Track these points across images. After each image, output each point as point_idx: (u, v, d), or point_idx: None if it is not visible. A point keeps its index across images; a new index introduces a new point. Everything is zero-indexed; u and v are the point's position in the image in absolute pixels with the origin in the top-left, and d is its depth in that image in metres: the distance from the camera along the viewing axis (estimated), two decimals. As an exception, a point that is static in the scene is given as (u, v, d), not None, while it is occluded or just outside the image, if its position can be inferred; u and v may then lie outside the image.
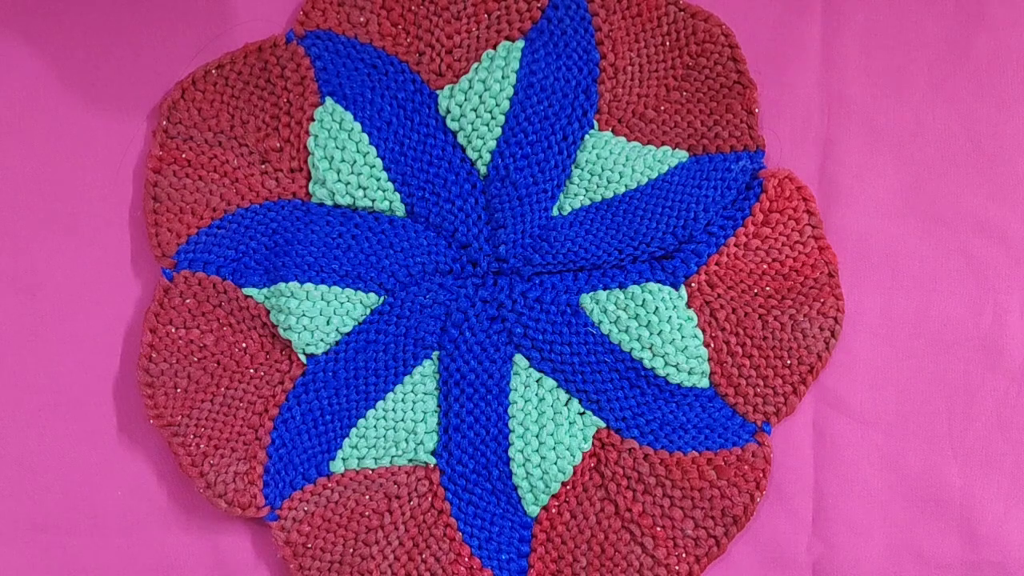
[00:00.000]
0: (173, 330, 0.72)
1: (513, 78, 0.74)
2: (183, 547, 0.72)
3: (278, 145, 0.74)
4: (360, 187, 0.74)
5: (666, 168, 0.74)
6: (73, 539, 0.73)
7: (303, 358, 0.72)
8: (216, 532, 0.72)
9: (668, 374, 0.72)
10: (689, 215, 0.73)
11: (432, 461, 0.72)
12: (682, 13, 0.74)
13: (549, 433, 0.72)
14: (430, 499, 0.72)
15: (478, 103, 0.74)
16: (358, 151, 0.73)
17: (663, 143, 0.74)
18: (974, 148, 0.74)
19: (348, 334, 0.72)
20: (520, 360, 0.73)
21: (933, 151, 0.74)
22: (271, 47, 0.74)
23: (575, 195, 0.74)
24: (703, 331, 0.72)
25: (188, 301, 0.72)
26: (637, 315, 0.72)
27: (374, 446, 0.72)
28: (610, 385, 0.72)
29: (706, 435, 0.72)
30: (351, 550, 0.71)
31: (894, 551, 0.72)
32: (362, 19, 0.74)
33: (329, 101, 0.74)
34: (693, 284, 0.72)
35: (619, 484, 0.71)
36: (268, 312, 0.72)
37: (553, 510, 0.71)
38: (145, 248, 0.74)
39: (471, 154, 0.74)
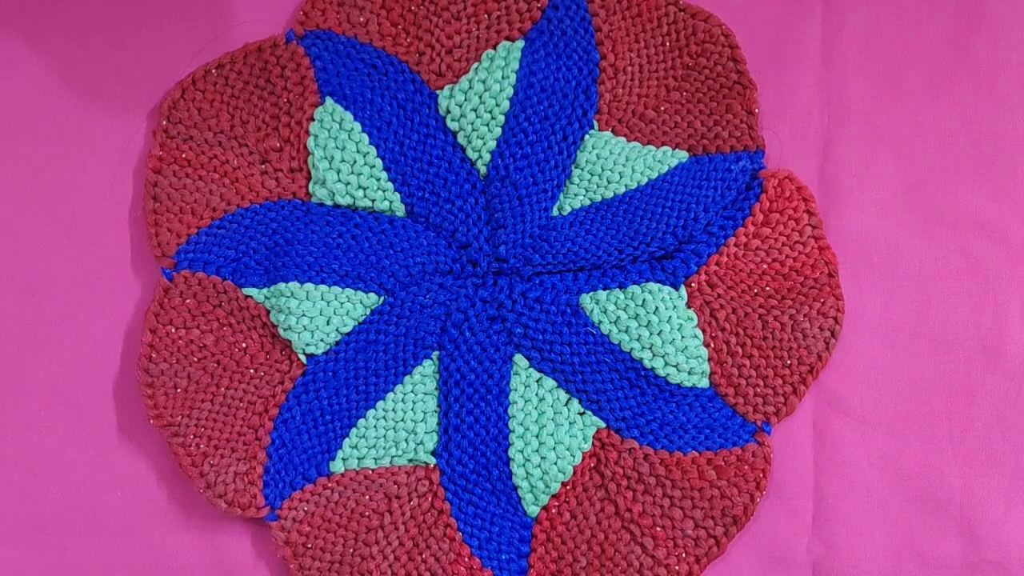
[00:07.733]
0: (173, 330, 0.72)
1: (513, 78, 0.74)
2: (183, 547, 0.72)
3: (278, 145, 0.74)
4: (360, 187, 0.74)
5: (666, 168, 0.74)
6: (73, 539, 0.72)
7: (303, 358, 0.72)
8: (216, 532, 0.72)
9: (668, 374, 0.71)
10: (689, 215, 0.73)
11: (432, 461, 0.72)
12: (682, 13, 0.74)
13: (549, 433, 0.72)
14: (430, 499, 0.71)
15: (478, 103, 0.74)
16: (358, 151, 0.73)
17: (663, 143, 0.74)
18: (974, 148, 0.74)
19: (348, 334, 0.72)
20: (520, 360, 0.73)
21: (933, 151, 0.74)
22: (271, 47, 0.74)
23: (575, 195, 0.74)
24: (703, 331, 0.72)
25: (188, 301, 0.72)
26: (637, 315, 0.72)
27: (374, 446, 0.72)
28: (610, 385, 0.72)
29: (706, 435, 0.72)
30: (351, 550, 0.71)
31: (894, 551, 0.72)
32: (362, 19, 0.74)
33: (329, 101, 0.74)
34: (693, 284, 0.72)
35: (619, 484, 0.71)
36: (268, 312, 0.72)
37: (553, 510, 0.71)
38: (145, 248, 0.74)
39: (471, 154, 0.74)
